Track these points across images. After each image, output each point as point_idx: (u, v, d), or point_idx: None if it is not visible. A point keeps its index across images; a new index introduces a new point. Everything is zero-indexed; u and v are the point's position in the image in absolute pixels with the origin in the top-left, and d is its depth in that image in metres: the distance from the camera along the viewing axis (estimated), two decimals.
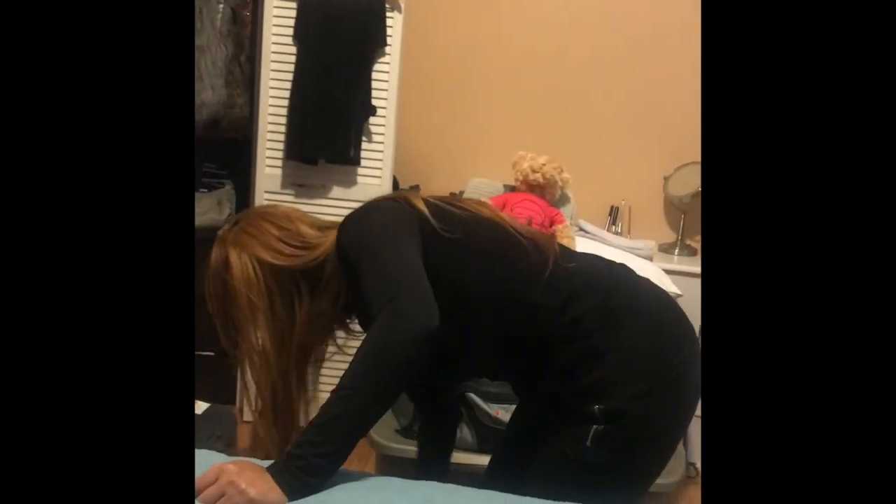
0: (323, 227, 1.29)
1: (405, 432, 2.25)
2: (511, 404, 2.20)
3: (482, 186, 2.71)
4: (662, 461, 1.26)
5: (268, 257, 1.21)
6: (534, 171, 2.57)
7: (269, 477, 0.98)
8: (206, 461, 1.03)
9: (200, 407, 2.12)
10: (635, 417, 1.17)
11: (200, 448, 1.07)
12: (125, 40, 0.80)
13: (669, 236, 3.02)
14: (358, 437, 1.04)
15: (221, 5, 2.85)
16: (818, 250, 0.80)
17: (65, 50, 0.78)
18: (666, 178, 2.93)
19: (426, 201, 1.24)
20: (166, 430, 0.79)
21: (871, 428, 0.76)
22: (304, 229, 1.26)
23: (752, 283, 0.82)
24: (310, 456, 0.99)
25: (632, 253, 2.61)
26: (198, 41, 2.80)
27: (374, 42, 2.57)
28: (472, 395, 2.18)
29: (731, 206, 0.83)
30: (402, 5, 2.65)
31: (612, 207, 2.98)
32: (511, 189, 2.66)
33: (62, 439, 0.75)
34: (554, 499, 1.05)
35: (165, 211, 0.82)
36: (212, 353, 2.81)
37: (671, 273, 2.51)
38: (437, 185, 2.91)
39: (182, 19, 0.85)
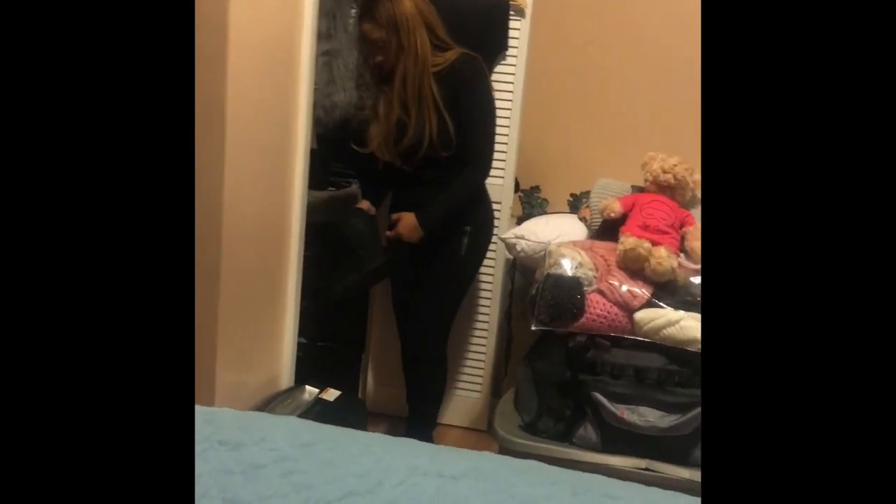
0: None
1: (528, 428, 2.23)
2: (637, 405, 2.15)
3: (609, 186, 2.68)
4: None
5: None
6: (664, 172, 2.51)
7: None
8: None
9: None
10: None
11: None
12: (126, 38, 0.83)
13: None
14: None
15: (353, 10, 2.94)
16: (819, 253, 0.79)
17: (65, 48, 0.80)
18: None
19: None
20: (165, 426, 0.82)
21: (871, 431, 0.76)
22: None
23: (753, 284, 0.81)
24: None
25: None
26: (331, 45, 2.89)
27: (496, 47, 2.60)
28: (598, 395, 2.15)
29: (732, 206, 0.84)
30: (527, 11, 2.66)
31: None
32: (639, 190, 2.61)
33: (63, 436, 0.77)
34: None
35: (163, 204, 0.85)
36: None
37: None
38: (562, 185, 2.90)
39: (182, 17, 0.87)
